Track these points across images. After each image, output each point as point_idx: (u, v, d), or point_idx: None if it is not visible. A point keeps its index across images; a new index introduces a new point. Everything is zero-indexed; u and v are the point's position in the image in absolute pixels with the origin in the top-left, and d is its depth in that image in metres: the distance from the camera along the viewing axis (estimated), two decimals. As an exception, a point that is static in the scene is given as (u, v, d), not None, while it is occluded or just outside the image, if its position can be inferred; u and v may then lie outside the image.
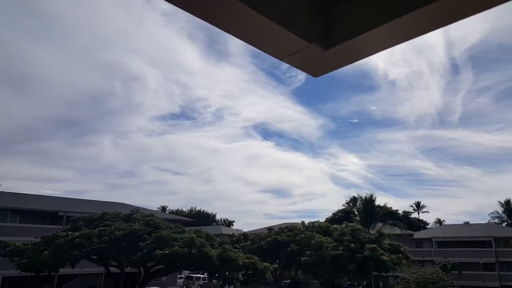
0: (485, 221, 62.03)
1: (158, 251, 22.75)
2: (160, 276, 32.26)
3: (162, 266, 26.21)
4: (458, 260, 46.13)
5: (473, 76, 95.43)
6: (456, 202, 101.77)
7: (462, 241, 49.05)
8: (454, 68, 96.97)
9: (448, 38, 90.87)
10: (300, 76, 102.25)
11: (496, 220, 60.71)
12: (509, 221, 59.85)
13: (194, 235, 24.16)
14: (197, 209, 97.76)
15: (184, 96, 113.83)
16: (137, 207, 33.98)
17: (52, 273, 27.01)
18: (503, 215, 60.66)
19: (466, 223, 63.94)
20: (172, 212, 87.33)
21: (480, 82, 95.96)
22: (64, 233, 24.74)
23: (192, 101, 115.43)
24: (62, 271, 27.57)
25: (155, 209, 68.41)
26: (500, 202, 61.45)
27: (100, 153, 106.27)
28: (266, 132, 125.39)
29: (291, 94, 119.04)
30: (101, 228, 25.57)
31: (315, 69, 1.92)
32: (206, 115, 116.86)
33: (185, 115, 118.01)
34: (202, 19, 1.46)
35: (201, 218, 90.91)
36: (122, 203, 45.31)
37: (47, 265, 23.58)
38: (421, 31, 1.59)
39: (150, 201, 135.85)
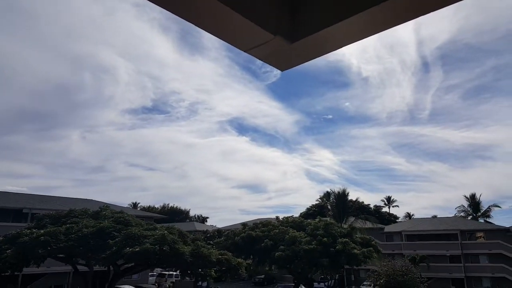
0: (452, 215, 64.41)
1: (128, 248, 22.24)
2: (131, 274, 31.55)
3: (132, 264, 25.67)
4: (427, 253, 47.65)
5: (442, 74, 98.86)
6: (425, 197, 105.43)
7: (430, 234, 50.71)
8: (425, 66, 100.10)
9: (419, 36, 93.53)
10: (276, 72, 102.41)
11: (462, 214, 63.14)
12: (474, 215, 62.38)
13: (165, 232, 23.73)
14: (170, 205, 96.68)
15: (157, 89, 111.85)
16: (107, 204, 33.01)
17: (16, 273, 25.94)
18: (469, 209, 63.15)
19: (434, 217, 66.09)
20: (143, 208, 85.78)
21: (449, 80, 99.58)
22: (29, 231, 23.77)
23: (165, 95, 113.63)
24: (26, 270, 26.57)
25: (126, 205, 67.09)
26: (465, 196, 63.98)
27: (69, 147, 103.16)
28: (241, 127, 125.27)
29: (266, 89, 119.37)
30: (68, 225, 24.77)
31: (282, 62, 1.90)
32: (180, 109, 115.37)
33: (157, 109, 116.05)
34: (167, 9, 1.44)
35: (174, 214, 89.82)
36: (91, 199, 43.95)
37: (10, 264, 22.67)
38: (388, 24, 1.60)
39: (120, 198, 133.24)
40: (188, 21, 1.52)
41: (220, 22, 1.55)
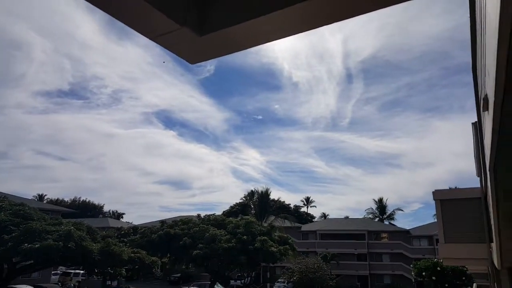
0: (362, 216, 69.68)
1: (26, 244, 20.21)
2: (29, 272, 28.64)
3: (31, 261, 23.28)
4: (338, 251, 50.86)
5: (363, 86, 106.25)
6: (340, 198, 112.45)
7: (342, 234, 54.23)
8: (349, 77, 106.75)
9: (346, 49, 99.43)
10: (209, 67, 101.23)
11: (370, 216, 68.68)
12: (381, 217, 68.29)
13: (72, 227, 21.95)
14: (81, 199, 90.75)
15: (77, 72, 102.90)
16: (5, 194, 29.46)
17: None
18: (376, 211, 68.94)
19: (346, 218, 70.90)
20: (51, 201, 78.93)
21: (368, 92, 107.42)
22: None
23: (86, 79, 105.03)
24: None
25: (30, 197, 61.03)
26: (374, 199, 69.80)
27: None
28: (168, 120, 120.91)
29: (198, 84, 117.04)
30: (-48, 218, 21.55)
31: (190, 55, 1.86)
32: (101, 96, 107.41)
33: (75, 94, 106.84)
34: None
35: (86, 209, 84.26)
36: (-13, 189, 38.99)
37: None
38: (305, 26, 1.59)
39: (25, 188, 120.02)
40: (91, 3, 1.41)
41: (123, 7, 1.48)
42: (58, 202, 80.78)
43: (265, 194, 53.49)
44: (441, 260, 26.34)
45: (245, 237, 35.49)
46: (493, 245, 7.78)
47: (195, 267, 41.46)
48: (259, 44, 1.75)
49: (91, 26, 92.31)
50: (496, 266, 8.61)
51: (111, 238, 25.32)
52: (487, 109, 2.87)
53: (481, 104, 3.43)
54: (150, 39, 1.68)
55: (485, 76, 2.96)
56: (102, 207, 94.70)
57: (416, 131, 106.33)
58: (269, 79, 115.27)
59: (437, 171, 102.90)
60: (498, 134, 2.70)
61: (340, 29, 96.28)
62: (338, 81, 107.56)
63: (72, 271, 39.92)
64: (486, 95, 2.85)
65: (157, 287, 44.78)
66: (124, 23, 1.57)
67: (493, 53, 1.84)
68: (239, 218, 42.05)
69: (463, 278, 31.16)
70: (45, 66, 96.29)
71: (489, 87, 2.50)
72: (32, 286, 29.87)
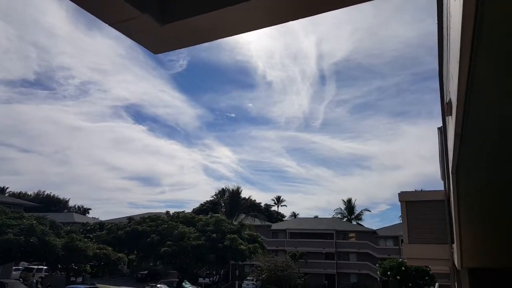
0: (331, 216, 70.97)
1: (-16, 239, 19.05)
2: (-13, 269, 27.31)
3: (-11, 257, 22.17)
4: (306, 250, 51.56)
5: (335, 89, 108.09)
6: (310, 198, 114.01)
7: (311, 233, 55.03)
8: (322, 79, 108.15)
9: (320, 50, 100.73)
10: (182, 62, 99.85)
11: (339, 216, 70.08)
12: (349, 217, 69.78)
13: (35, 222, 21.02)
14: (46, 193, 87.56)
15: (43, 61, 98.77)
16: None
17: None
18: (345, 211, 70.41)
19: (316, 217, 71.96)
20: (13, 194, 75.59)
21: (340, 94, 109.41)
22: None
23: (52, 69, 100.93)
24: None
25: (-10, 190, 58.04)
26: (343, 200, 71.27)
27: None
28: (139, 115, 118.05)
29: (170, 79, 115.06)
30: None
31: (152, 44, 1.81)
32: (68, 87, 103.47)
33: (41, 84, 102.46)
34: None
35: (50, 203, 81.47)
36: None
37: None
38: (273, 20, 1.57)
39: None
40: None
41: None
42: (20, 195, 77.59)
43: (236, 193, 53.54)
44: (405, 260, 27.25)
45: (214, 235, 35.36)
46: (454, 246, 8.11)
47: (163, 265, 40.94)
48: (225, 37, 1.71)
49: (58, 14, 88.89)
50: (457, 266, 8.97)
51: (76, 233, 24.53)
52: (451, 114, 2.97)
53: (445, 109, 3.55)
54: (110, 25, 1.62)
55: (449, 81, 3.06)
56: (67, 201, 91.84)
57: (385, 134, 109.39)
58: (243, 77, 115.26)
59: (404, 173, 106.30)
60: (460, 138, 2.79)
61: (314, 31, 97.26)
62: (311, 82, 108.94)
63: (35, 266, 38.42)
64: (450, 100, 2.95)
65: (123, 284, 43.80)
66: (82, 7, 1.50)
67: (456, 59, 1.90)
68: (209, 216, 41.87)
69: (426, 277, 32.40)
70: (9, 53, 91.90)
71: (452, 92, 2.59)
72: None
